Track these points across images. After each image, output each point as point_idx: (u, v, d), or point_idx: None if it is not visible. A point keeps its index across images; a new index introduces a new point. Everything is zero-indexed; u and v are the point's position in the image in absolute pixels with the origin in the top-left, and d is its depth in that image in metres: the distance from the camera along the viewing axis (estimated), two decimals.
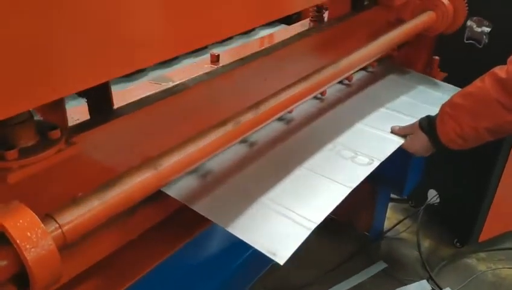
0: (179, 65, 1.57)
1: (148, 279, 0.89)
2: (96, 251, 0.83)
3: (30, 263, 0.56)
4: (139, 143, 0.84)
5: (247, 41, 1.73)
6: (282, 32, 1.59)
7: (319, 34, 1.27)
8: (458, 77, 1.45)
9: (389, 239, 2.14)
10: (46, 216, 0.63)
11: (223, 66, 1.05)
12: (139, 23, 0.63)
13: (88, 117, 0.82)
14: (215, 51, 1.34)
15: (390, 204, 2.18)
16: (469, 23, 1.76)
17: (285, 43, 1.19)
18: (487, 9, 1.73)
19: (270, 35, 1.65)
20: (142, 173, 0.73)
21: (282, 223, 0.92)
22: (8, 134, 0.66)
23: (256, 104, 0.90)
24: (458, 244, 2.08)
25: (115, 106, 0.90)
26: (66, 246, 0.63)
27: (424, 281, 1.90)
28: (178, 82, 1.11)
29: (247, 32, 1.80)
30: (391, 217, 2.22)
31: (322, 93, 1.34)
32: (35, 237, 0.56)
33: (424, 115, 1.29)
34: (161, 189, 0.84)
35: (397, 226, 2.14)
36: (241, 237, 0.88)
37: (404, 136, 1.31)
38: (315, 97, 1.32)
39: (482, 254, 2.07)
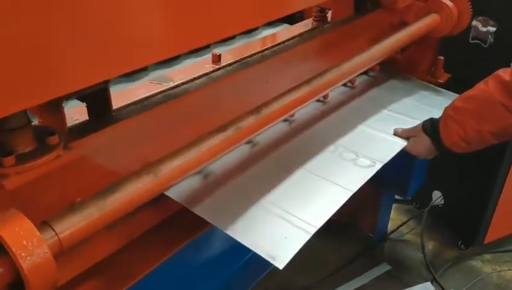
0: (180, 65, 1.57)
1: (147, 281, 0.89)
2: (95, 253, 0.82)
3: (26, 272, 0.55)
4: (138, 148, 0.83)
5: (249, 41, 1.72)
6: (285, 31, 1.58)
7: (321, 37, 1.26)
8: (463, 77, 1.43)
9: (392, 241, 2.12)
10: (43, 224, 0.62)
11: (224, 69, 1.04)
12: (138, 21, 0.62)
13: (87, 117, 0.82)
14: (217, 50, 1.33)
15: (394, 205, 2.16)
16: (474, 22, 1.74)
17: (288, 46, 1.18)
18: (492, 9, 1.71)
19: (273, 35, 1.64)
20: (141, 180, 0.73)
21: (282, 226, 0.92)
22: (6, 140, 0.66)
23: (258, 108, 0.89)
24: (463, 246, 2.07)
25: (116, 106, 0.90)
26: (63, 253, 0.63)
27: (428, 283, 1.89)
28: (178, 82, 1.11)
29: (249, 32, 1.79)
30: (395, 218, 2.21)
31: (325, 97, 1.33)
32: (31, 246, 0.56)
33: (427, 117, 1.28)
34: None
35: (401, 228, 2.12)
36: (240, 241, 0.87)
37: (407, 138, 1.30)
38: (318, 100, 1.31)
39: (487, 256, 2.06)
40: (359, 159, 1.15)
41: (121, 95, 1.02)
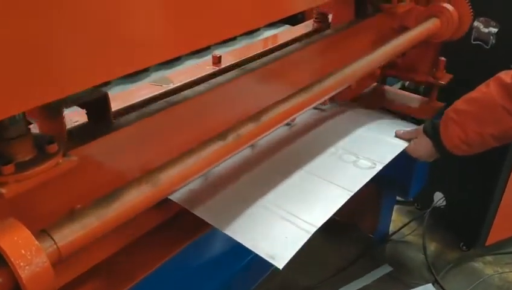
0: (181, 66, 1.57)
1: (147, 282, 0.89)
2: (94, 255, 0.83)
3: (24, 281, 0.55)
4: (138, 156, 0.83)
5: (250, 42, 1.72)
6: (286, 32, 1.57)
7: (321, 42, 1.26)
8: (465, 78, 1.43)
9: (394, 242, 2.12)
10: (42, 232, 0.62)
11: (224, 75, 1.03)
12: (139, 22, 0.61)
13: (87, 119, 0.82)
14: (218, 51, 1.33)
15: (395, 206, 2.16)
16: (476, 23, 1.73)
17: (288, 52, 1.18)
18: (494, 10, 1.70)
19: (274, 36, 1.64)
20: (141, 189, 0.72)
21: (282, 226, 0.92)
22: (5, 149, 0.66)
23: (258, 115, 0.89)
24: (464, 247, 2.06)
25: (116, 108, 0.90)
26: (61, 261, 0.63)
27: (430, 285, 1.88)
28: (178, 84, 1.11)
29: (250, 33, 1.79)
30: (396, 219, 2.21)
31: (323, 103, 1.32)
32: (29, 255, 0.56)
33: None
34: None
35: (402, 229, 2.12)
36: (240, 241, 0.87)
37: (408, 140, 1.30)
38: (316, 108, 1.31)
39: (489, 258, 2.05)
40: (359, 161, 1.15)
41: (121, 97, 1.02)
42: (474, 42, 1.77)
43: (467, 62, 1.71)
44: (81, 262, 0.80)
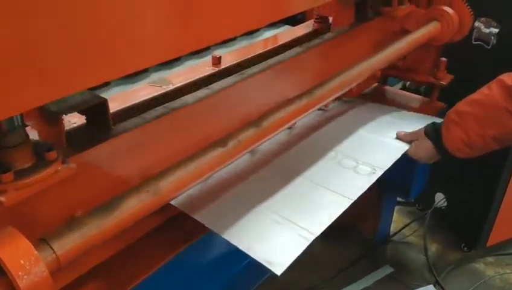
0: (181, 66, 1.57)
1: (146, 285, 0.88)
2: (92, 257, 0.82)
3: None
4: (137, 162, 0.83)
5: (250, 42, 1.71)
6: (287, 33, 1.57)
7: (322, 46, 1.25)
8: (466, 78, 1.42)
9: (395, 243, 2.11)
10: (41, 241, 0.62)
11: (223, 80, 1.03)
12: (138, 23, 0.61)
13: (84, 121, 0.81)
14: (218, 52, 1.32)
15: (396, 207, 2.15)
16: (477, 24, 1.73)
17: (288, 55, 1.17)
18: (495, 10, 1.69)
19: (274, 37, 1.63)
20: (140, 197, 0.72)
21: (281, 233, 0.92)
22: (5, 157, 0.66)
23: (258, 121, 0.88)
24: (465, 248, 2.05)
25: (115, 109, 0.89)
26: (60, 269, 0.63)
27: (431, 286, 1.88)
28: (177, 85, 1.10)
29: (250, 33, 1.78)
30: (397, 220, 2.20)
31: (325, 105, 1.32)
32: (28, 265, 0.56)
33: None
34: None
35: (403, 230, 2.11)
36: (238, 246, 0.88)
37: (409, 142, 1.29)
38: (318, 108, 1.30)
39: (490, 259, 2.04)
40: (359, 167, 1.15)
41: (121, 98, 1.01)
42: (475, 42, 1.76)
43: (467, 62, 1.70)
44: (79, 265, 0.80)
